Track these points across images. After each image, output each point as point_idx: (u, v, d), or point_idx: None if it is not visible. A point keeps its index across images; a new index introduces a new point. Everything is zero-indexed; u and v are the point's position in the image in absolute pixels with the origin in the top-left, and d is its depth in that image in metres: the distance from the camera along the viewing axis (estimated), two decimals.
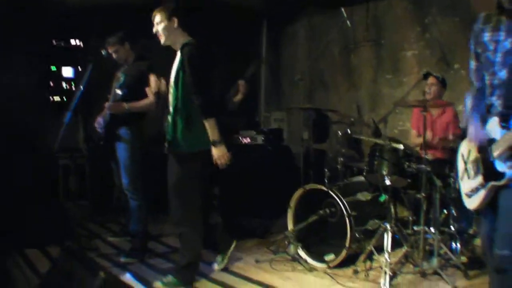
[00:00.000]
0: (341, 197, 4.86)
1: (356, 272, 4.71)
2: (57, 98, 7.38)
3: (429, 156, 4.90)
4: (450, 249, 4.77)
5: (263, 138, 7.09)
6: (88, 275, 3.09)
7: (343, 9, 6.48)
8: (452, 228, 4.93)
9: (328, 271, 4.82)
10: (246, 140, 7.12)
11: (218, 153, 4.21)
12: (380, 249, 4.71)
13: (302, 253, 5.10)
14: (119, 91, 5.26)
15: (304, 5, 8.59)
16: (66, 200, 7.33)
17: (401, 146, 4.83)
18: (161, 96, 4.96)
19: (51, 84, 7.38)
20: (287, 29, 9.26)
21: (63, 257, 3.51)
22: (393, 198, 5.04)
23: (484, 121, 3.03)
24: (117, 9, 6.89)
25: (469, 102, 3.25)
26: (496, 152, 2.87)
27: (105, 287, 2.94)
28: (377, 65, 7.60)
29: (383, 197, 5.10)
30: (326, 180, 5.37)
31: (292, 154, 7.41)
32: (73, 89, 7.37)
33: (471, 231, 4.94)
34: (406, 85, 7.07)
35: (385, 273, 4.37)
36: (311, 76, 8.58)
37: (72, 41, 7.48)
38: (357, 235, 4.81)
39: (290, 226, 5.27)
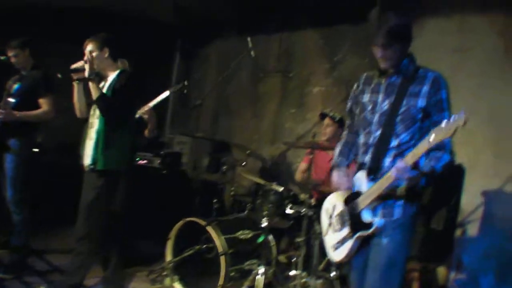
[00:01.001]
0: (219, 234, 4.72)
1: None
2: None
3: (313, 200, 4.74)
4: None
5: (159, 161, 6.87)
6: None
7: (249, 39, 6.29)
8: (333, 274, 4.80)
9: None
10: (142, 162, 6.86)
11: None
12: None
13: (178, 286, 4.96)
14: (11, 99, 5.08)
15: (218, 29, 8.43)
16: None
17: (280, 189, 4.74)
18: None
19: None
20: (200, 51, 9.00)
21: None
22: (275, 239, 4.94)
23: (348, 158, 3.34)
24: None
25: (337, 149, 3.41)
26: (363, 203, 3.00)
27: None
28: (282, 97, 7.43)
29: (261, 238, 4.93)
30: (214, 212, 5.34)
31: (188, 181, 7.15)
32: None
33: None
34: (309, 121, 6.93)
35: None
36: (218, 101, 8.37)
37: None
38: (232, 274, 4.68)
39: (168, 257, 5.08)
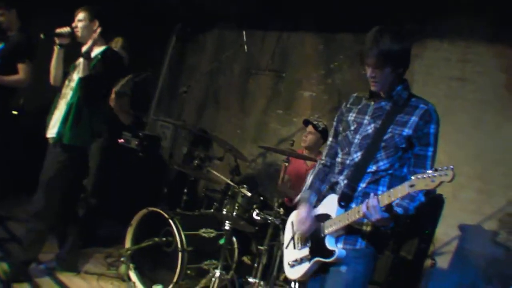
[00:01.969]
0: (180, 230, 4.56)
1: None
2: None
3: (282, 210, 4.57)
4: None
5: (136, 143, 6.68)
6: None
7: (244, 33, 6.10)
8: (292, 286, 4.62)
9: None
10: (120, 141, 6.66)
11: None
12: None
13: (133, 275, 4.80)
14: None
15: (218, 19, 8.22)
16: None
17: (248, 194, 4.59)
18: None
19: None
20: (197, 37, 8.77)
21: None
22: (245, 239, 4.90)
23: (321, 198, 3.04)
24: None
25: (310, 178, 3.21)
26: (329, 229, 2.84)
27: None
28: (272, 97, 7.24)
29: (222, 240, 4.77)
30: (182, 205, 5.22)
31: (163, 167, 6.93)
32: None
33: None
34: (294, 125, 6.77)
35: None
36: (206, 91, 8.18)
37: None
38: (189, 272, 4.55)
39: (127, 244, 4.93)
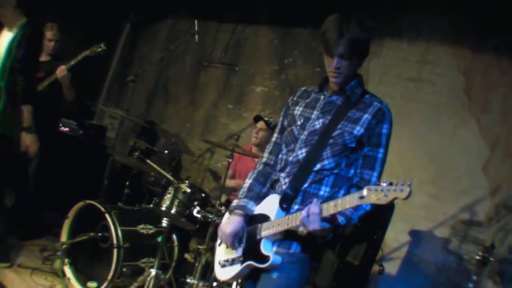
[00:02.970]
0: (116, 225, 4.37)
1: None
2: None
3: (223, 208, 4.36)
4: None
5: (81, 132, 6.44)
6: None
7: (196, 22, 5.83)
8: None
9: None
10: (65, 129, 6.39)
11: (31, 140, 4.22)
12: None
13: (68, 270, 4.62)
14: None
15: (172, 7, 8.00)
16: None
17: (188, 190, 4.37)
18: None
19: None
20: (150, 25, 8.50)
21: None
22: (180, 240, 4.70)
23: (260, 198, 2.78)
24: None
25: (249, 180, 2.90)
26: (265, 231, 2.59)
27: None
28: (223, 90, 7.03)
29: (160, 238, 4.55)
30: (124, 198, 5.11)
31: (107, 158, 6.60)
32: None
33: None
34: (244, 120, 6.58)
35: None
36: (156, 82, 7.92)
37: None
38: (124, 269, 4.34)
39: (63, 237, 4.72)
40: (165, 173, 4.60)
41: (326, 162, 2.58)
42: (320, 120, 2.65)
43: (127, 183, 5.32)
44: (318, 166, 2.58)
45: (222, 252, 2.85)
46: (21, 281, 4.36)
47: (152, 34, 8.42)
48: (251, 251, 2.63)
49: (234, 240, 2.70)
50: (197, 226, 4.39)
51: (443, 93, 4.96)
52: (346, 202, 2.25)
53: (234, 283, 4.16)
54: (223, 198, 4.51)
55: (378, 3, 5.44)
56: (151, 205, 4.62)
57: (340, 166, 2.59)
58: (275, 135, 2.93)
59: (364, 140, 2.57)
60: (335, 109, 2.65)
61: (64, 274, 4.54)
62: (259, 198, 2.78)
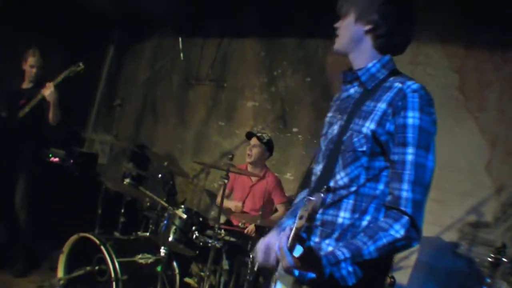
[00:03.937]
0: (113, 257, 4.20)
1: None
2: None
3: (222, 232, 4.23)
4: None
5: (71, 162, 6.32)
6: None
7: (180, 39, 5.71)
8: None
9: None
10: (55, 159, 6.29)
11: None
12: None
13: None
14: None
15: (156, 25, 7.81)
16: None
17: (184, 216, 4.23)
18: None
19: None
20: (135, 45, 8.34)
21: None
22: (180, 266, 4.56)
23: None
24: None
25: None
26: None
27: None
28: (213, 107, 6.90)
29: (159, 268, 4.38)
30: (119, 227, 4.97)
31: (99, 186, 6.46)
32: None
33: None
34: (237, 137, 6.45)
35: None
36: (144, 103, 7.75)
37: None
38: None
39: (59, 273, 4.57)
40: (159, 200, 4.45)
41: (338, 177, 1.96)
42: (338, 123, 2.06)
43: (122, 210, 5.17)
44: (331, 184, 1.96)
45: None
46: None
47: (137, 53, 8.26)
48: None
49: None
50: (197, 252, 4.27)
51: (437, 94, 4.78)
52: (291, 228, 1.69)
53: None
54: (222, 219, 4.35)
55: None
56: (148, 233, 4.52)
57: (358, 181, 1.91)
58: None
59: (383, 139, 1.89)
60: (351, 105, 2.05)
61: None
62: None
